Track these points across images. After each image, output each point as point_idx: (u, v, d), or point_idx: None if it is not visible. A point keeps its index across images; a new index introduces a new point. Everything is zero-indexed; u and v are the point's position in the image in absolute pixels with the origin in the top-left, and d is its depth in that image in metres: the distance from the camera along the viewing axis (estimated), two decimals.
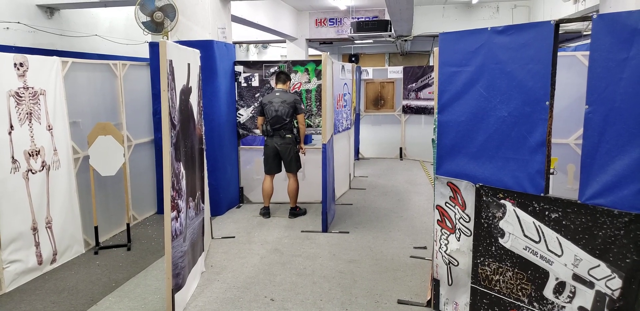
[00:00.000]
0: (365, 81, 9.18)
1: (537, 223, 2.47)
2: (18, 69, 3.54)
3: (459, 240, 2.87)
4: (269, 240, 4.43)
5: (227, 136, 5.51)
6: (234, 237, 4.53)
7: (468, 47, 2.79)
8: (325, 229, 4.66)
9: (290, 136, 5.03)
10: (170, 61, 2.90)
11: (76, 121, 4.19)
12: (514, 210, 2.56)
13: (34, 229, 3.67)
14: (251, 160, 5.84)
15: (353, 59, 16.13)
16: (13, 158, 3.49)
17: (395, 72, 9.10)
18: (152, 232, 4.76)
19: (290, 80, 5.28)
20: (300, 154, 5.17)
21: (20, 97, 3.56)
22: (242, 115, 5.75)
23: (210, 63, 5.07)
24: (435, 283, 3.03)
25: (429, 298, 3.10)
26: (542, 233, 2.45)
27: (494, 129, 2.68)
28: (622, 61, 2.11)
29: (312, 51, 13.78)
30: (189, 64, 3.34)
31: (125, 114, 4.84)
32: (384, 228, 4.79)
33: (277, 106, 4.95)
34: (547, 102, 2.41)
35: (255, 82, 5.70)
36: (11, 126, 3.47)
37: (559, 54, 2.59)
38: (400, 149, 9.13)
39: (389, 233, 4.62)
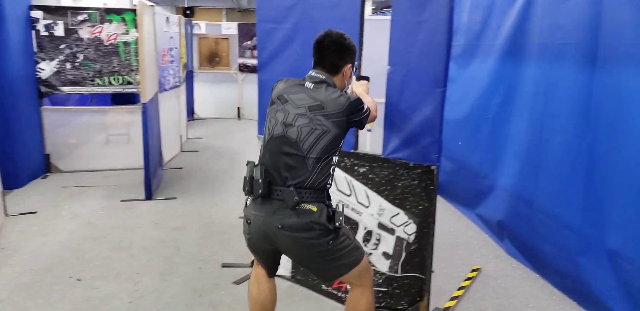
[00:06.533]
0: (198, 36, 8.63)
1: (349, 177, 2.58)
2: None
3: None
4: (82, 213, 3.94)
5: (24, 94, 4.66)
6: (35, 212, 3.91)
7: (284, 3, 2.72)
8: (148, 196, 4.31)
9: (314, 208, 1.82)
10: None
11: None
12: None
13: None
14: (62, 123, 5.11)
15: (188, 12, 15.04)
16: None
17: (230, 29, 8.73)
18: None
19: (350, 63, 1.97)
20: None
21: None
22: (44, 69, 4.92)
23: None
24: None
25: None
26: (353, 186, 2.58)
27: None
28: None
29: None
30: None
31: None
32: (215, 190, 4.64)
33: (293, 113, 1.88)
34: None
35: (59, 32, 4.93)
36: None
37: (378, 18, 2.66)
38: (238, 108, 8.94)
39: (219, 195, 4.50)
